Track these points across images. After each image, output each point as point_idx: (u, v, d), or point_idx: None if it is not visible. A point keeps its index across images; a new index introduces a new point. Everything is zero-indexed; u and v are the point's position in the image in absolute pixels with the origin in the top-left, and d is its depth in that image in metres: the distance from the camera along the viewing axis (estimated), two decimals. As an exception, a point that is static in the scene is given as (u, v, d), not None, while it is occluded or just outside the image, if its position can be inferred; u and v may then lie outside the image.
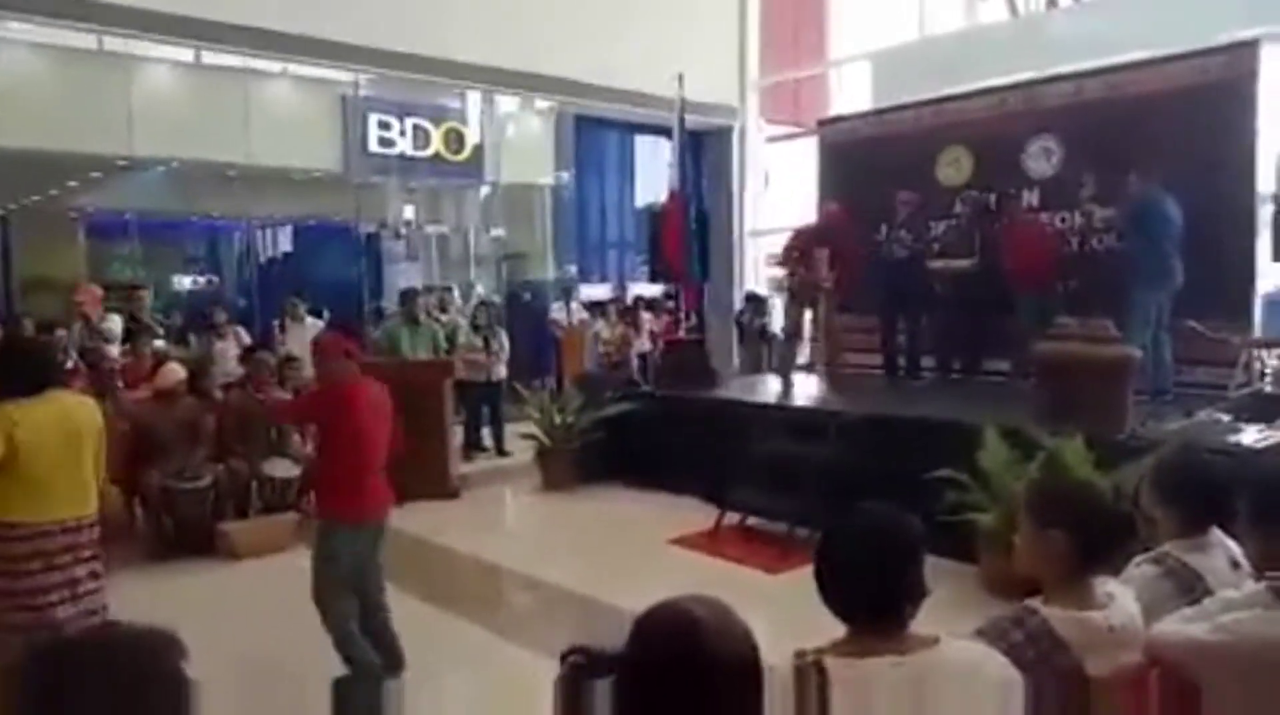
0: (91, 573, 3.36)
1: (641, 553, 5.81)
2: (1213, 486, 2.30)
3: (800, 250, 7.90)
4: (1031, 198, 7.87)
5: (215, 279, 12.62)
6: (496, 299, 11.09)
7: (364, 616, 3.86)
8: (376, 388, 3.94)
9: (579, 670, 1.26)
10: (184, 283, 12.60)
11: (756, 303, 11.32)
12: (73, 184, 11.32)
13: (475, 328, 8.77)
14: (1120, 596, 1.98)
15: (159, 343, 7.50)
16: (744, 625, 1.31)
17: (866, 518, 1.69)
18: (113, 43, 9.27)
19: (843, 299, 7.92)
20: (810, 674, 1.52)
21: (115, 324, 7.56)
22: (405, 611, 4.84)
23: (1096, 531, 1.94)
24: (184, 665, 1.14)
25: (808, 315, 8.10)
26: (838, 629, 1.65)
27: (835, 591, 1.63)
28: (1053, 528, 1.94)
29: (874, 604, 1.60)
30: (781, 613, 4.76)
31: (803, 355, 8.72)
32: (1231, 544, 2.26)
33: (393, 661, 3.92)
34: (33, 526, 3.17)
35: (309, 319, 8.50)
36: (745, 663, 1.27)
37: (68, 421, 3.27)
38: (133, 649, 1.13)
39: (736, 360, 11.12)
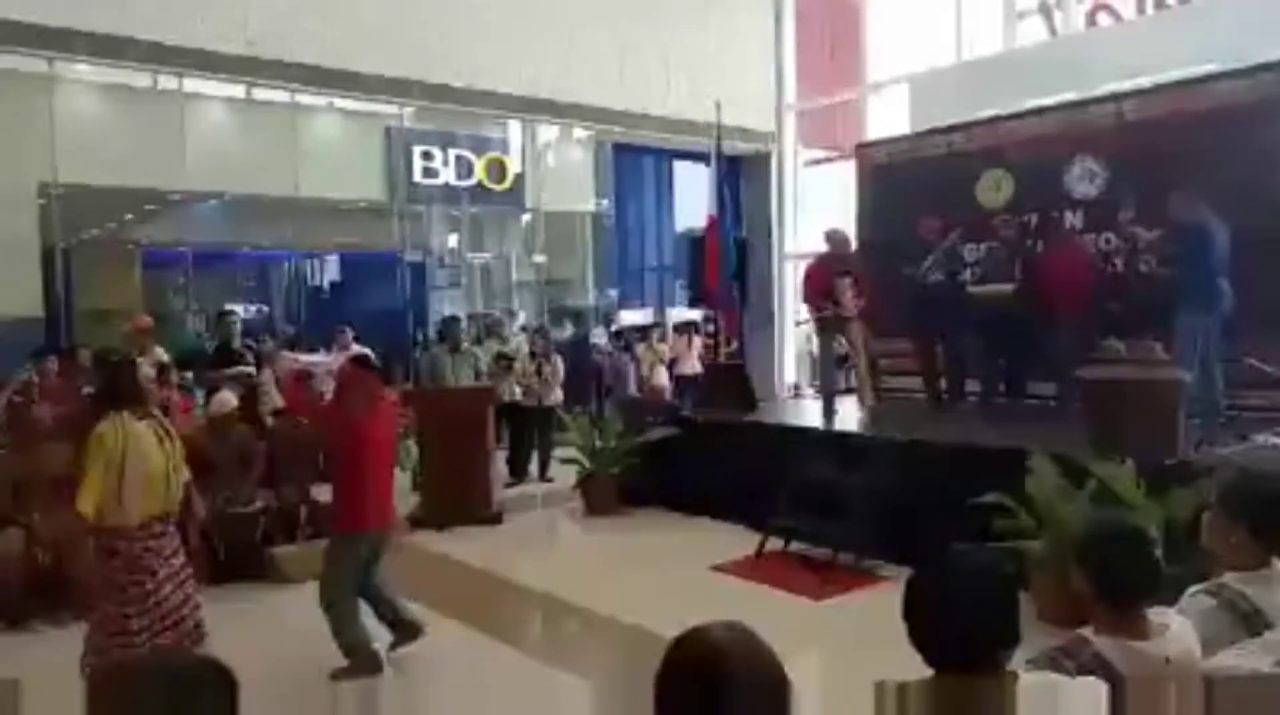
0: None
1: (684, 579, 5.80)
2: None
3: (821, 283, 7.85)
4: (1075, 219, 7.80)
5: (265, 308, 12.93)
6: (547, 324, 11.21)
7: (376, 606, 4.41)
8: (387, 415, 4.48)
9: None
10: (217, 313, 12.92)
11: None
12: (129, 217, 11.71)
13: (531, 353, 8.90)
14: (1177, 626, 1.94)
15: (246, 368, 7.52)
16: (770, 651, 1.33)
17: (964, 559, 1.66)
18: (167, 81, 9.61)
19: (871, 322, 7.86)
20: (889, 704, 1.49)
21: (160, 355, 7.62)
22: (448, 636, 4.91)
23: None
24: (235, 697, 1.25)
25: (842, 341, 8.05)
26: (891, 654, 1.64)
27: (926, 637, 1.60)
28: (1237, 519, 2.17)
29: (967, 652, 1.57)
30: (828, 640, 4.76)
31: (844, 381, 8.68)
32: None
33: (406, 632, 4.47)
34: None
35: (355, 347, 8.67)
36: (772, 689, 1.30)
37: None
38: (186, 679, 1.22)
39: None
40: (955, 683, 1.55)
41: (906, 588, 1.66)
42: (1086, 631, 1.91)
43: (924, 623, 1.61)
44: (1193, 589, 2.24)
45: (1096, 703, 1.57)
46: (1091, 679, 1.64)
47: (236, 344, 7.69)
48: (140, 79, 9.50)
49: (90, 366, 7.34)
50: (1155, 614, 1.94)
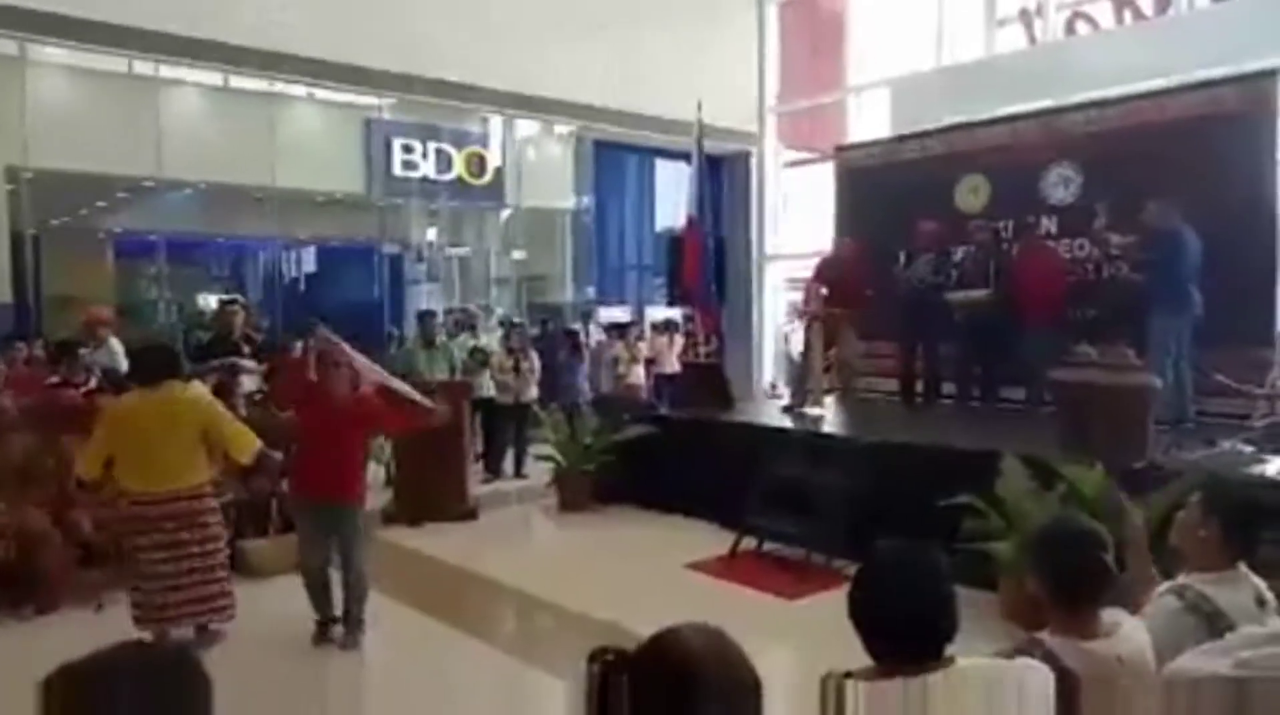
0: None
1: (658, 577, 5.80)
2: (1264, 518, 2.28)
3: (823, 284, 7.96)
4: (1050, 225, 7.88)
5: (240, 299, 12.78)
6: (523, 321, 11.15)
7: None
8: (343, 400, 4.73)
9: (609, 667, 1.28)
10: (209, 302, 12.77)
11: None
12: (101, 205, 11.54)
13: (509, 350, 8.84)
14: (1128, 626, 1.97)
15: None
16: (739, 652, 1.31)
17: (898, 554, 1.70)
18: (142, 66, 9.47)
19: (856, 324, 7.93)
20: (830, 691, 1.55)
21: (115, 347, 7.50)
22: (421, 631, 4.88)
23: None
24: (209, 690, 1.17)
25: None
26: (861, 653, 1.66)
27: (863, 625, 1.64)
28: (1212, 515, 2.21)
29: (906, 643, 1.60)
30: (801, 639, 4.78)
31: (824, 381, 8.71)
32: (1259, 580, 2.24)
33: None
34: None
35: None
36: (741, 691, 1.27)
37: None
38: (162, 670, 1.15)
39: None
40: (895, 672, 1.57)
41: (850, 586, 1.69)
42: (1041, 634, 1.94)
43: (863, 617, 1.64)
44: (1159, 590, 2.27)
45: (1043, 689, 1.59)
46: (1034, 662, 1.66)
47: (236, 335, 7.51)
48: (115, 63, 9.36)
49: (47, 357, 7.23)
50: (1107, 614, 1.97)
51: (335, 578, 4.66)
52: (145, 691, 1.10)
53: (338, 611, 4.66)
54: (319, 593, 4.65)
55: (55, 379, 6.52)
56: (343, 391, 4.76)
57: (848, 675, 1.59)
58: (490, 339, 9.48)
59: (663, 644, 1.30)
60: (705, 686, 1.24)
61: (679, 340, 10.47)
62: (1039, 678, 1.60)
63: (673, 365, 10.10)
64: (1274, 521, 2.28)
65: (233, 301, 8.01)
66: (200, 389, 4.92)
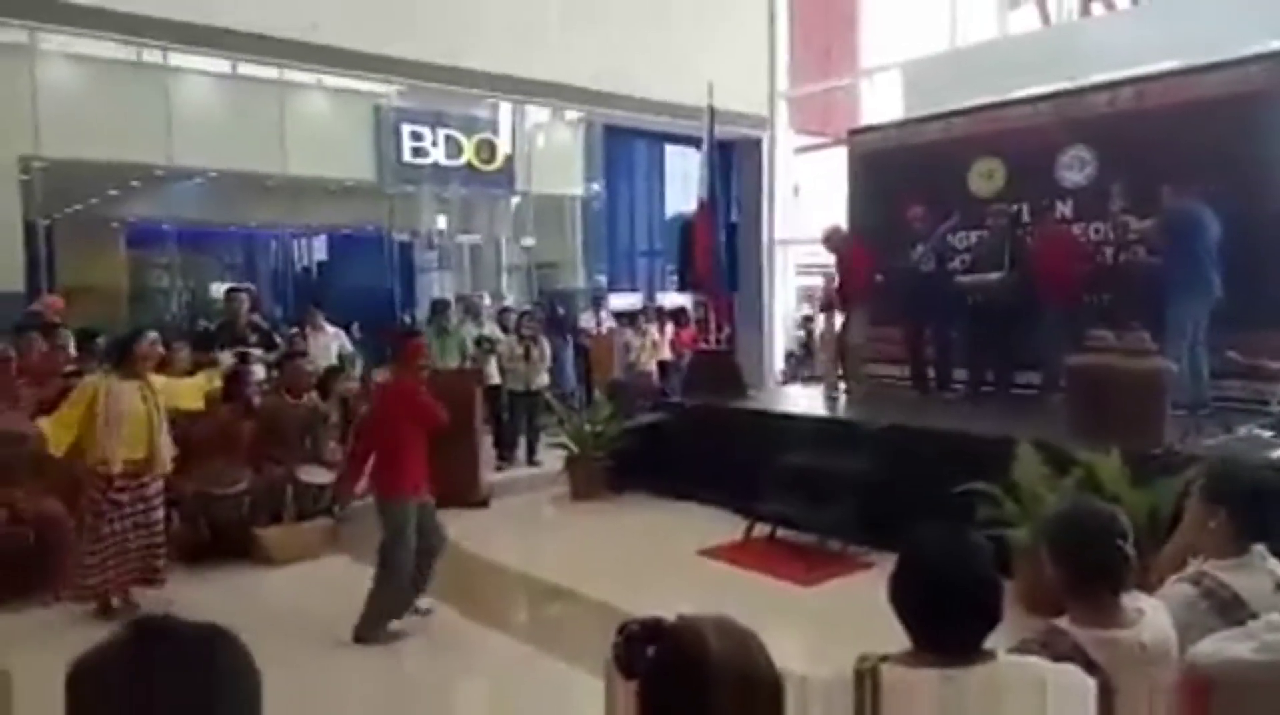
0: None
1: (671, 564, 5.81)
2: (1270, 502, 2.25)
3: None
4: (1065, 209, 7.79)
5: (252, 287, 12.80)
6: (534, 307, 11.13)
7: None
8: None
9: (634, 639, 1.26)
10: (220, 291, 12.81)
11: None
12: (113, 193, 11.56)
13: (520, 337, 8.83)
14: (1152, 612, 1.94)
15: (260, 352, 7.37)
16: (754, 645, 1.28)
17: (945, 538, 1.68)
18: (151, 54, 9.47)
19: (850, 308, 7.93)
20: (866, 678, 1.54)
21: (65, 337, 7.40)
22: (436, 619, 4.90)
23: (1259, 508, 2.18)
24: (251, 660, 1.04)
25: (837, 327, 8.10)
26: (877, 641, 1.65)
27: (907, 610, 1.63)
28: (1218, 504, 2.19)
29: (941, 629, 1.59)
30: (818, 625, 4.78)
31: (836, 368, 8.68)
32: (1276, 564, 2.21)
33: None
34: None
35: (329, 328, 8.55)
36: (755, 686, 1.25)
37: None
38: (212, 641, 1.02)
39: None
40: (933, 659, 1.56)
41: (895, 567, 1.67)
42: (1062, 621, 1.92)
43: (905, 600, 1.62)
44: (1173, 577, 2.25)
45: (1082, 695, 1.58)
46: (1073, 668, 1.65)
47: (242, 322, 7.54)
48: (124, 52, 9.35)
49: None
50: (1130, 600, 1.95)
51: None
52: (185, 674, 0.95)
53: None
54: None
55: (72, 367, 6.55)
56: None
57: (884, 659, 1.58)
58: (492, 327, 9.44)
59: (675, 635, 1.27)
60: (725, 685, 1.21)
61: (669, 328, 10.48)
62: (1078, 683, 1.59)
63: (665, 353, 10.15)
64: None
65: (237, 290, 8.01)
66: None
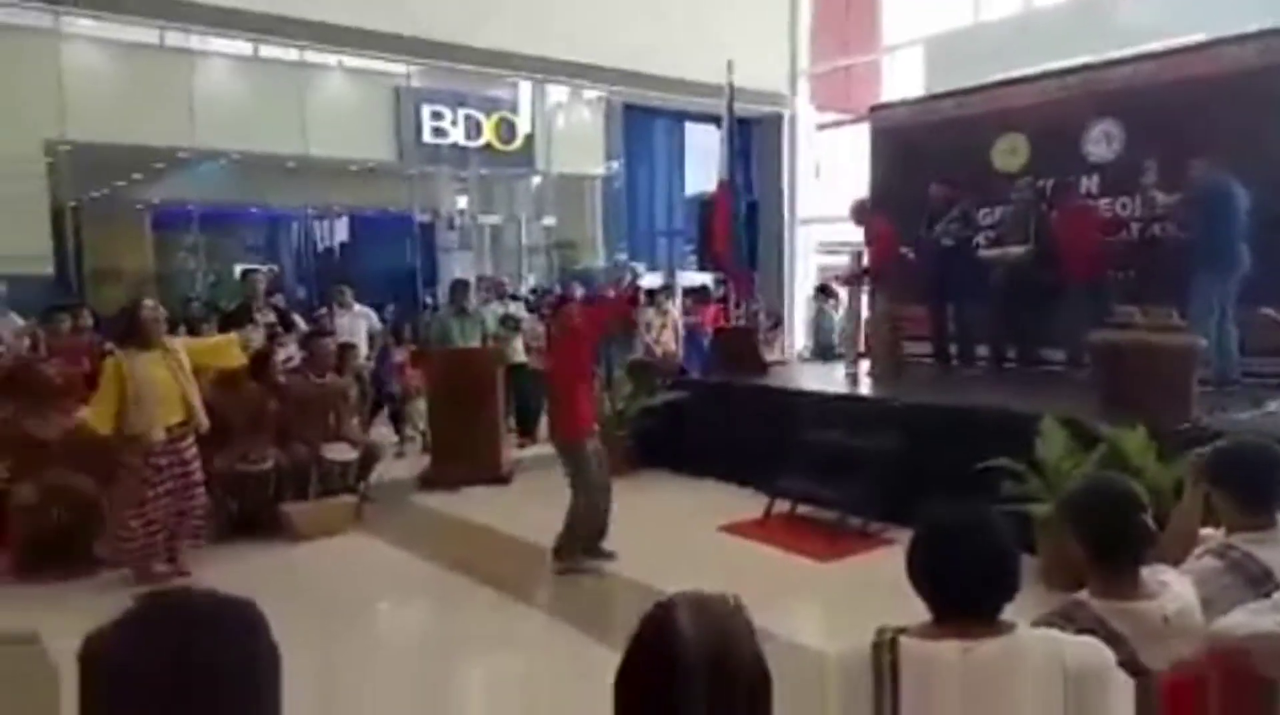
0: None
1: (692, 540, 5.83)
2: (1269, 472, 2.25)
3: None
4: (1091, 184, 7.68)
5: (275, 268, 12.91)
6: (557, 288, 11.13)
7: None
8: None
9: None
10: (241, 272, 12.92)
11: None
12: (138, 176, 11.67)
13: (541, 316, 8.84)
14: (1175, 584, 1.94)
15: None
16: (736, 627, 1.17)
17: (958, 511, 1.68)
18: (173, 37, 9.52)
19: (876, 283, 7.90)
20: (885, 650, 1.55)
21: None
22: (462, 594, 4.96)
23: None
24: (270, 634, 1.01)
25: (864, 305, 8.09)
26: (897, 617, 1.66)
27: (925, 581, 1.63)
28: (1219, 486, 2.25)
29: (958, 600, 1.60)
30: (837, 601, 4.79)
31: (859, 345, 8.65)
32: None
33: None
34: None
35: (356, 306, 8.62)
36: (733, 673, 1.14)
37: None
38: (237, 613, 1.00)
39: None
40: (951, 631, 1.57)
41: (911, 540, 1.68)
42: (1082, 594, 1.92)
43: (922, 571, 1.63)
44: (1199, 550, 2.24)
45: (1099, 666, 1.57)
46: (1093, 640, 1.64)
47: (258, 303, 7.65)
48: (148, 35, 9.41)
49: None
50: (1153, 572, 1.94)
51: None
52: (208, 649, 0.92)
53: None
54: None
55: (107, 346, 6.65)
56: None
57: (901, 631, 1.58)
58: (517, 306, 9.48)
59: (649, 626, 1.17)
60: (694, 676, 1.11)
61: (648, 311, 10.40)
62: (1097, 653, 1.59)
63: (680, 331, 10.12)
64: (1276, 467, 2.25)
65: (253, 271, 8.11)
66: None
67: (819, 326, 10.78)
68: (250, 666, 0.96)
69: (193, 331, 7.06)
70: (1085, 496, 2.07)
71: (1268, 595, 2.01)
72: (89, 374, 5.93)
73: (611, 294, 6.14)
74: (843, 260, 12.36)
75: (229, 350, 5.77)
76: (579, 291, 9.25)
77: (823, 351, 10.54)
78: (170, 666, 0.90)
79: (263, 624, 0.99)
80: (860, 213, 8.07)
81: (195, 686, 0.90)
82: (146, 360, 4.90)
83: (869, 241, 7.96)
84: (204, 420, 5.12)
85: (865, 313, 8.08)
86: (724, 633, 1.15)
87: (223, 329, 7.34)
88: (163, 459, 4.94)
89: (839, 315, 9.56)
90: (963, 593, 1.59)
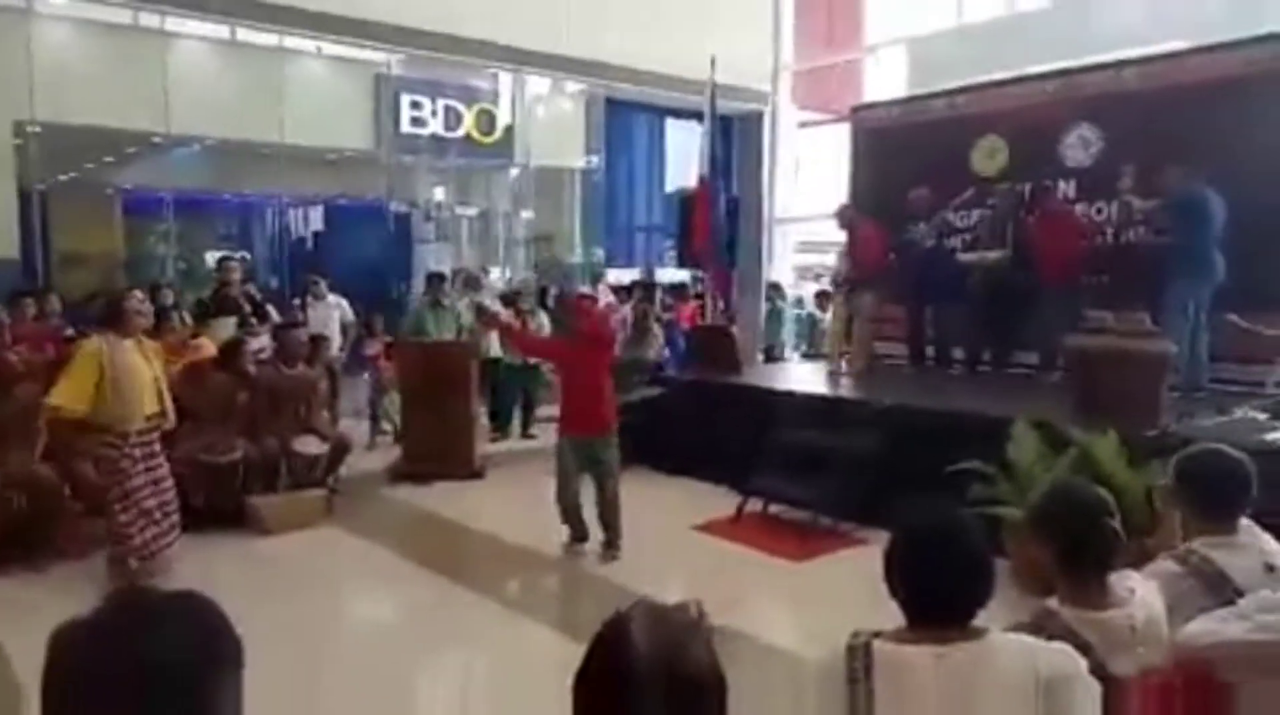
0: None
1: (664, 538, 5.81)
2: (1225, 479, 2.26)
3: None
4: (1068, 188, 7.74)
5: (248, 256, 12.72)
6: (530, 279, 11.06)
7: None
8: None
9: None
10: (215, 259, 12.73)
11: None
12: (109, 160, 11.46)
13: (516, 310, 8.77)
14: (1142, 593, 1.94)
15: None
16: (696, 641, 1.13)
17: (941, 518, 1.69)
18: (148, 18, 9.35)
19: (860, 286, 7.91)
20: (859, 654, 1.56)
21: None
22: (431, 590, 4.91)
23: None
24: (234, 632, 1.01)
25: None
26: (868, 617, 1.65)
27: (901, 586, 1.63)
28: (1179, 492, 2.29)
29: (933, 605, 1.61)
30: (809, 601, 4.79)
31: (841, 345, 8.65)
32: (1269, 544, 2.21)
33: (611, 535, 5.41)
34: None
35: (330, 297, 8.52)
36: (689, 690, 1.10)
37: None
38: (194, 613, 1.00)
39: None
40: (924, 636, 1.57)
41: (888, 545, 1.67)
42: (1052, 602, 1.91)
43: (901, 580, 1.63)
44: (1161, 555, 2.25)
45: (1070, 671, 1.57)
46: (1066, 648, 1.64)
47: (234, 292, 7.53)
48: (122, 16, 9.23)
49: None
50: (1120, 579, 1.94)
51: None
52: (165, 647, 0.93)
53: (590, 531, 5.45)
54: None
55: (70, 332, 6.54)
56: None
57: (876, 635, 1.59)
58: (492, 299, 9.40)
59: (603, 640, 1.14)
60: (648, 692, 1.08)
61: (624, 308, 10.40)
62: (1069, 660, 1.59)
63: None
64: (1233, 474, 2.27)
65: (229, 259, 7.97)
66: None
67: (767, 327, 10.87)
68: (210, 668, 0.96)
69: (160, 319, 6.94)
70: (1053, 504, 2.07)
71: (1227, 600, 2.02)
72: (54, 361, 5.82)
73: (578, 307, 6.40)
74: (822, 259, 12.40)
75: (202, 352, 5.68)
76: (580, 288, 9.21)
77: (768, 351, 10.57)
78: (131, 669, 0.91)
79: (224, 623, 1.00)
80: (844, 216, 8.03)
81: (154, 688, 0.91)
82: (126, 347, 4.76)
83: (852, 244, 7.93)
84: (172, 416, 4.98)
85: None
86: (679, 646, 1.11)
87: (201, 319, 7.24)
88: (137, 451, 4.79)
89: (827, 317, 9.56)
90: (937, 598, 1.60)
